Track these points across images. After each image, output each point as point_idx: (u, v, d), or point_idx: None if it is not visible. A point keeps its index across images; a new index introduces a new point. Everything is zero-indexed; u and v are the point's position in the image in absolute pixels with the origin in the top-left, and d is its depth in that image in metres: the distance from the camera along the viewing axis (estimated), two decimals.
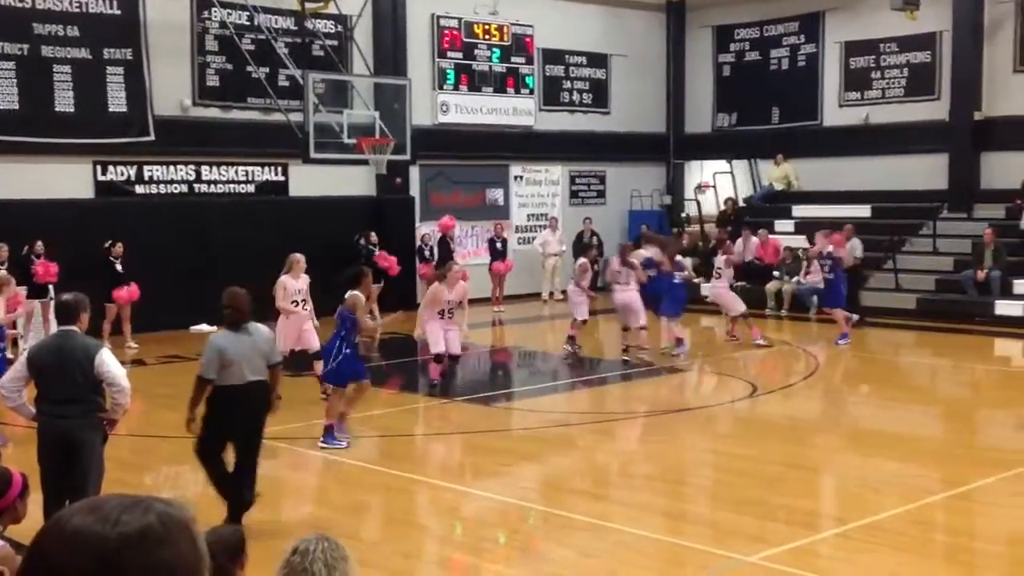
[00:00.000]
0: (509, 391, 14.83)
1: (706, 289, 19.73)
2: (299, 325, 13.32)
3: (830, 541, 8.17)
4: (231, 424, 8.22)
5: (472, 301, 17.51)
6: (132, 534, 1.57)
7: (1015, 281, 20.03)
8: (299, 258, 13.54)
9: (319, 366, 12.54)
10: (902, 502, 9.03)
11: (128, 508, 1.60)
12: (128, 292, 17.55)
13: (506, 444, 12.00)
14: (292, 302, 13.32)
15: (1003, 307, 19.69)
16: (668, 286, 16.67)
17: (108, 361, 7.23)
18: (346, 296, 11.27)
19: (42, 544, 1.60)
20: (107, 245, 17.55)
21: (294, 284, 13.38)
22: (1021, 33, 22.39)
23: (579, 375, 16.23)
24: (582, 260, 16.80)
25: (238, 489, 8.29)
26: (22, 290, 16.86)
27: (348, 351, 11.00)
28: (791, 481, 9.90)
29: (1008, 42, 22.55)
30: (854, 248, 19.89)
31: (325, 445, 10.98)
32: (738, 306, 17.74)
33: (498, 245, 23.45)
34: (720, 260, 17.77)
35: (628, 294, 15.87)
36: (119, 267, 17.59)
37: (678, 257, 17.60)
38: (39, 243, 17.04)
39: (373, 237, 20.69)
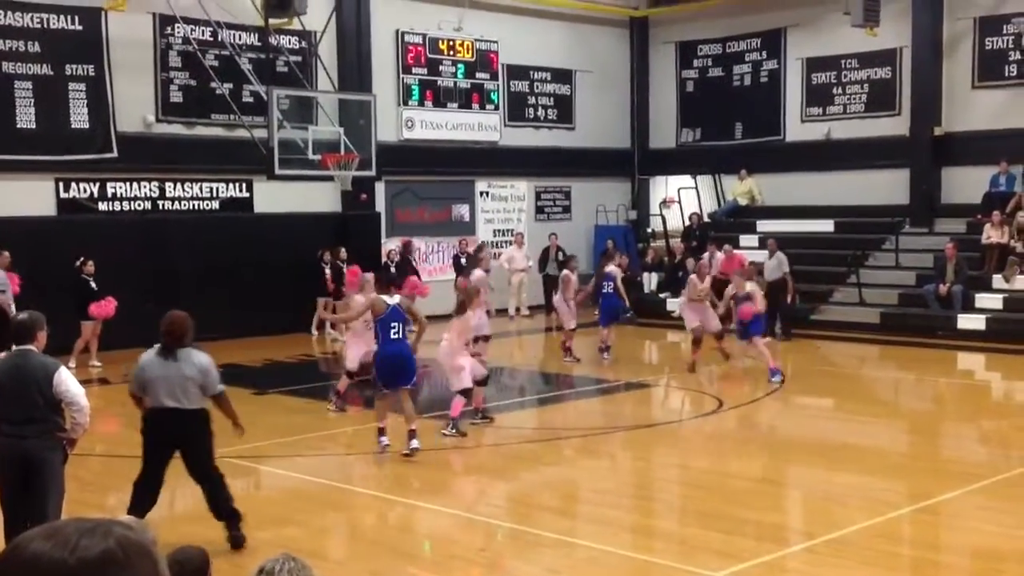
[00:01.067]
0: (477, 407, 14.77)
1: (673, 305, 19.89)
2: (368, 339, 13.00)
3: (798, 556, 8.19)
4: (151, 445, 8.28)
5: (438, 317, 17.50)
6: (91, 559, 1.54)
7: (977, 295, 20.25)
8: (369, 277, 13.67)
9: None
10: (868, 516, 9.07)
11: (87, 532, 1.58)
12: (105, 306, 17.24)
13: (474, 460, 11.96)
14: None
15: (965, 321, 19.89)
16: (601, 297, 18.28)
17: (67, 380, 7.15)
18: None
19: (1, 570, 1.58)
20: (78, 263, 17.29)
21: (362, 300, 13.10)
22: (980, 49, 22.69)
23: (545, 391, 16.22)
24: (565, 272, 17.90)
25: (217, 510, 8.42)
26: None
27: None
28: (758, 496, 9.93)
29: (967, 58, 22.84)
30: (781, 263, 20.43)
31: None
32: (713, 323, 17.41)
33: (463, 261, 23.35)
34: (692, 279, 17.71)
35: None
36: (93, 285, 17.33)
37: (608, 268, 18.32)
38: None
39: (342, 253, 20.60)
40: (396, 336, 11.32)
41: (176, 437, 8.22)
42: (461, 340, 12.49)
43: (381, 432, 11.47)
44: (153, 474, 8.36)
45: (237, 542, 8.31)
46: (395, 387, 11.39)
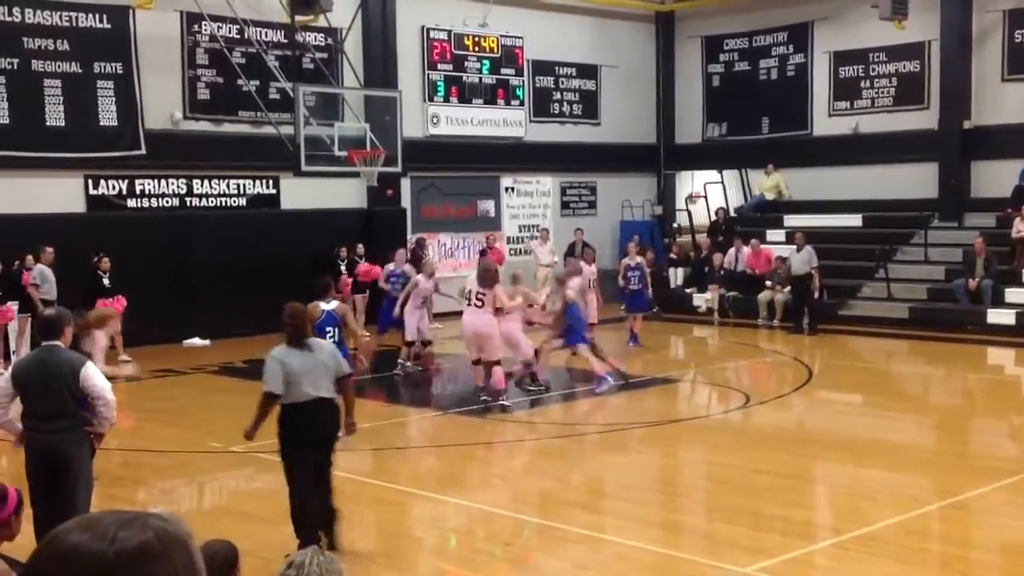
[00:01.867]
0: (504, 402, 14.78)
1: (699, 300, 19.95)
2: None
3: (826, 551, 8.15)
4: (300, 441, 8.02)
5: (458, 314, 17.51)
6: (129, 551, 1.55)
7: (1007, 290, 20.08)
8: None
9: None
10: (897, 512, 9.02)
11: (125, 524, 1.59)
12: (113, 304, 17.41)
13: (500, 456, 11.98)
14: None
15: (995, 316, 19.73)
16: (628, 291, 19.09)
17: (93, 375, 7.21)
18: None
19: (39, 562, 1.59)
20: (95, 259, 17.49)
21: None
22: (1009, 42, 22.49)
23: (571, 386, 16.20)
24: (580, 263, 17.75)
25: (312, 517, 8.08)
26: (13, 305, 16.85)
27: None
28: (786, 491, 9.89)
29: (996, 51, 22.65)
30: (811, 257, 20.29)
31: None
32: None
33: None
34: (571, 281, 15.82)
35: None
36: (106, 281, 17.52)
37: (636, 260, 19.33)
38: (29, 257, 16.97)
39: (359, 249, 20.67)
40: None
41: (320, 428, 8.05)
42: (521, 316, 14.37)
43: None
44: (306, 485, 8.06)
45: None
46: None
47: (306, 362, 7.91)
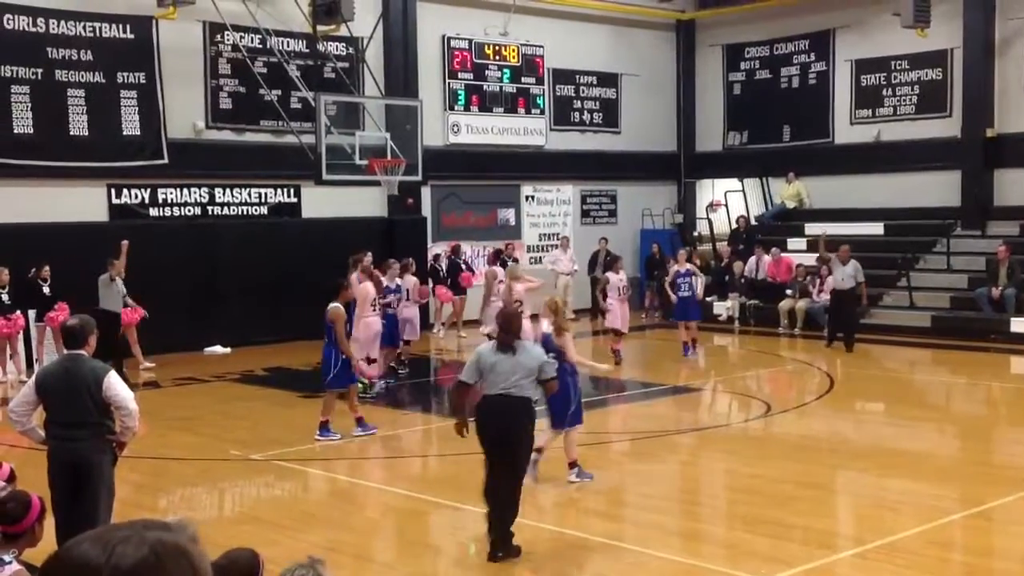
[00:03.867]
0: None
1: (720, 308, 19.84)
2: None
3: (847, 561, 8.11)
4: (486, 430, 8.36)
5: (475, 321, 17.53)
6: (124, 568, 1.61)
7: None
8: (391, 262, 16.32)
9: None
10: (919, 522, 8.97)
11: (124, 541, 1.64)
12: (130, 313, 17.47)
13: None
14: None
15: (1018, 324, 19.59)
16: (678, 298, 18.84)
17: (115, 384, 7.24)
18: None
19: (47, 570, 1.67)
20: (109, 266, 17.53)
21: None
22: None
23: (592, 394, 16.18)
24: (607, 273, 18.23)
25: (499, 506, 8.35)
26: (30, 313, 16.96)
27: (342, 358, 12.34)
28: (807, 500, 9.85)
29: (1019, 58, 22.52)
30: (857, 271, 18.88)
31: (320, 438, 12.25)
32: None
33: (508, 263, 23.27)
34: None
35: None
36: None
37: (685, 267, 19.00)
38: (47, 267, 17.05)
39: (368, 257, 20.53)
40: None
41: (508, 422, 8.29)
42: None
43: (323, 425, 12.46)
44: (489, 473, 8.47)
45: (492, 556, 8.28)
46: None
47: (506, 363, 8.32)
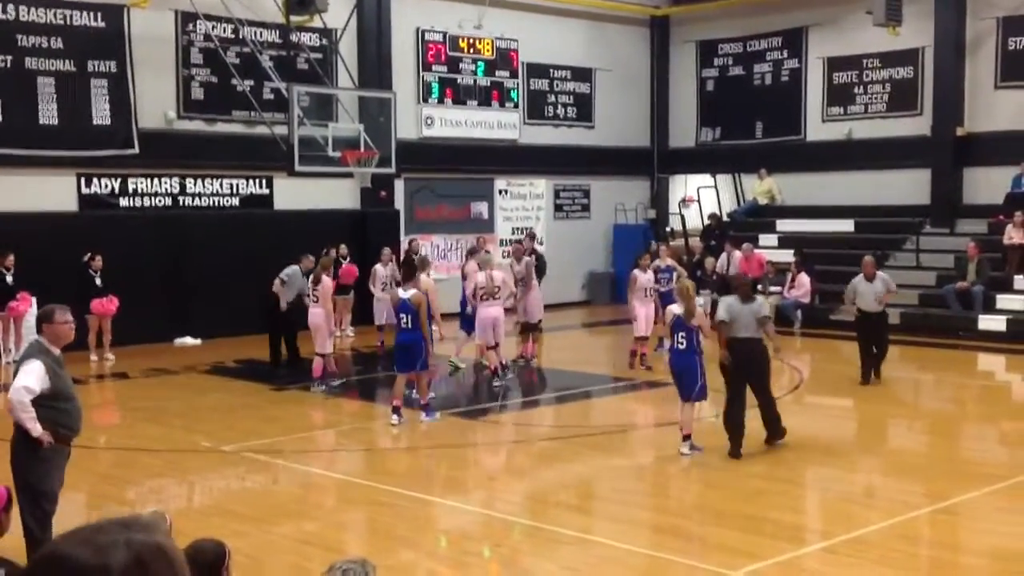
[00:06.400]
0: (495, 404, 14.79)
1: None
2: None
3: (816, 555, 8.17)
4: (735, 366, 11.20)
5: (454, 315, 17.53)
6: (116, 569, 1.63)
7: (998, 296, 20.13)
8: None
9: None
10: (887, 516, 9.04)
11: (112, 545, 1.67)
12: (105, 304, 17.44)
13: (491, 458, 11.99)
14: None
15: (986, 322, 19.78)
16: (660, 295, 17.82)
17: (19, 372, 7.27)
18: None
19: (33, 569, 1.70)
20: (86, 258, 17.47)
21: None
22: (1002, 49, 22.57)
23: (563, 388, 16.21)
24: (635, 272, 16.72)
25: (768, 423, 11.46)
26: None
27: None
28: (776, 495, 9.91)
29: (990, 58, 22.72)
30: (887, 286, 15.50)
31: (427, 419, 12.87)
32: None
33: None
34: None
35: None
36: (98, 280, 17.51)
37: (666, 263, 18.30)
38: (10, 256, 16.88)
39: (343, 249, 20.50)
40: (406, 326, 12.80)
41: (747, 360, 11.15)
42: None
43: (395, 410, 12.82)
44: (739, 397, 11.20)
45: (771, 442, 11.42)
46: (402, 371, 12.96)
47: (744, 310, 11.22)
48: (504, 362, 15.78)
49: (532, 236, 21.77)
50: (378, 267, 18.82)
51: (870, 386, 15.10)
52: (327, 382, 15.04)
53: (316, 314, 15.16)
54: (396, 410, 12.70)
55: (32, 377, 7.11)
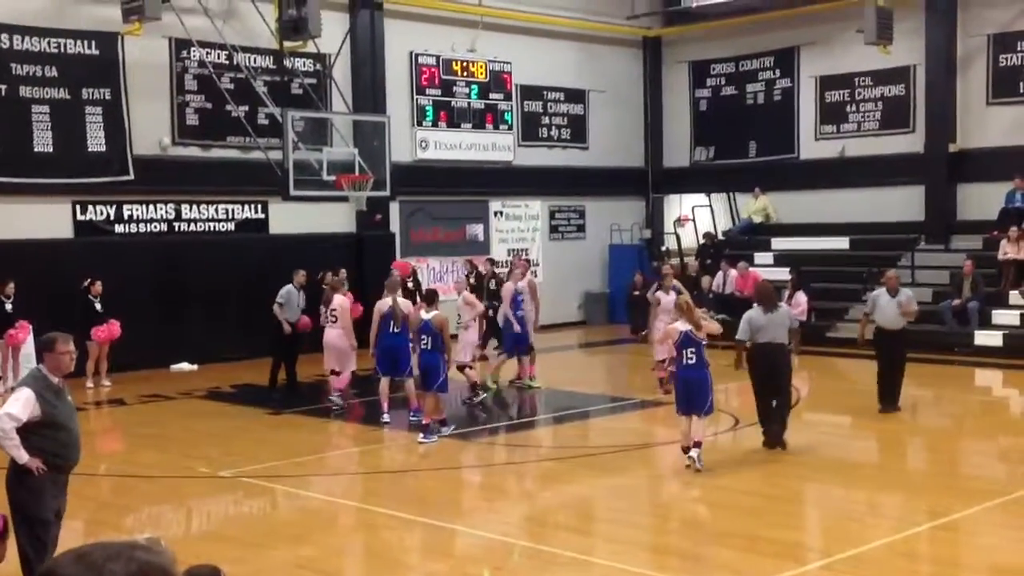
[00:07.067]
0: (492, 426, 14.78)
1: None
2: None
3: (815, 573, 8.14)
4: (759, 370, 12.19)
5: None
6: None
7: (993, 311, 20.16)
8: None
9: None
10: (886, 533, 9.03)
11: (112, 558, 1.66)
12: (108, 330, 17.46)
13: (489, 480, 11.96)
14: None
15: (982, 337, 19.80)
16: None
17: (10, 399, 7.23)
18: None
19: None
20: (86, 284, 17.47)
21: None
22: (993, 65, 22.67)
23: (561, 409, 16.19)
24: (658, 293, 16.38)
25: (773, 424, 12.13)
26: None
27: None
28: (775, 513, 9.89)
29: (981, 74, 22.82)
30: (910, 300, 14.75)
31: (428, 440, 13.03)
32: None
33: (471, 280, 22.73)
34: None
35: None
36: (98, 306, 17.52)
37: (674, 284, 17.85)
38: (11, 284, 16.87)
39: (342, 274, 20.42)
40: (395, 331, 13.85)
41: (772, 364, 12.09)
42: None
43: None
44: (767, 403, 12.23)
45: (771, 445, 12.12)
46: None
47: (769, 319, 12.13)
48: (479, 381, 16.07)
49: (492, 261, 21.28)
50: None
51: (860, 400, 15.05)
52: (345, 399, 15.37)
53: (334, 335, 15.33)
54: (425, 428, 13.18)
55: (17, 405, 7.02)
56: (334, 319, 15.39)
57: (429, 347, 13.09)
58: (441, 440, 13.13)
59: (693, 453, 11.22)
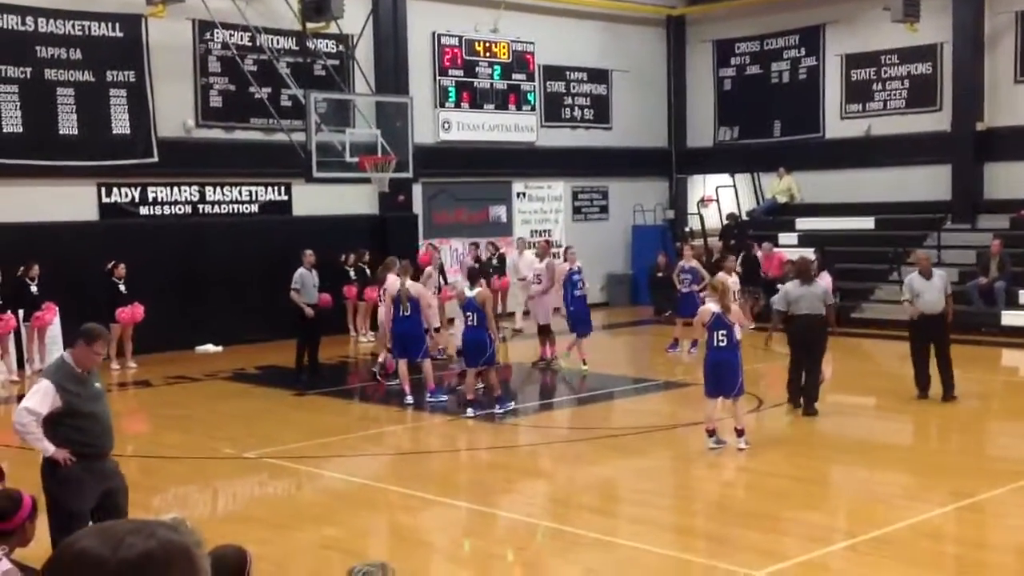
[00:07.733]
0: (515, 407, 14.79)
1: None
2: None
3: (840, 554, 8.12)
4: (795, 339, 13.15)
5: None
6: (132, 559, 1.61)
7: (1021, 291, 19.99)
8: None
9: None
10: (911, 514, 8.99)
11: (132, 532, 1.65)
12: (131, 312, 17.55)
13: (513, 461, 11.97)
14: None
15: (1009, 317, 19.64)
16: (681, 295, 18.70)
17: (31, 389, 7.20)
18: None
19: (51, 564, 1.67)
20: (109, 266, 17.57)
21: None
22: (1021, 43, 22.42)
23: (584, 390, 16.19)
24: (720, 276, 16.18)
25: (806, 390, 13.03)
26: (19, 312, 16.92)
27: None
28: (799, 494, 9.87)
29: (1009, 52, 22.57)
30: (945, 284, 14.29)
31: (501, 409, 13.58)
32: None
33: (494, 262, 22.81)
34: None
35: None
36: (122, 288, 17.62)
37: (690, 263, 18.96)
38: (36, 267, 16.98)
39: (365, 256, 20.66)
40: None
41: (808, 333, 12.94)
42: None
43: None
44: (799, 373, 13.14)
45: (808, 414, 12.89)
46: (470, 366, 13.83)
47: (805, 291, 12.97)
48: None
49: (493, 245, 21.90)
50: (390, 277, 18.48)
51: (885, 381, 14.98)
52: (389, 377, 15.51)
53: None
54: (471, 404, 13.53)
55: (35, 398, 6.99)
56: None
57: (475, 323, 13.42)
58: (458, 422, 13.15)
59: (741, 444, 11.27)
